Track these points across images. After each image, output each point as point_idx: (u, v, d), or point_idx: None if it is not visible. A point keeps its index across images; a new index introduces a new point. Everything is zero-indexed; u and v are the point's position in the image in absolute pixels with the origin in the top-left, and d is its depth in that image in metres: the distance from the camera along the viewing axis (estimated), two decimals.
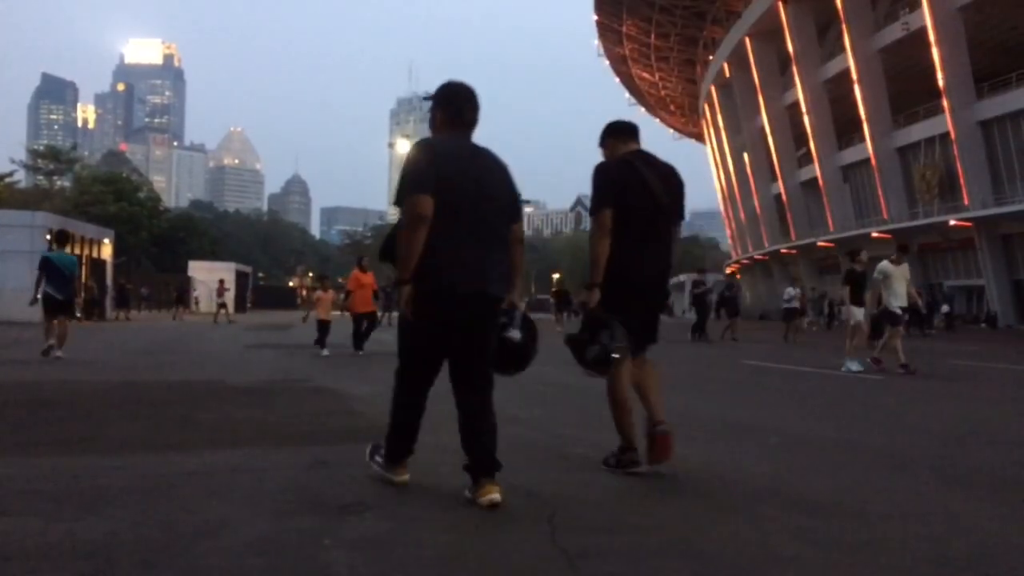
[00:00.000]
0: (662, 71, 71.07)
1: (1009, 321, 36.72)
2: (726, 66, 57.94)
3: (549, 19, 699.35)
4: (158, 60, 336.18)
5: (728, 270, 54.67)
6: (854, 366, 9.89)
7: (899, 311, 9.91)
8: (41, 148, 73.49)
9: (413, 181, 3.03)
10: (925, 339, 20.58)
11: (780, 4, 47.19)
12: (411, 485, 3.28)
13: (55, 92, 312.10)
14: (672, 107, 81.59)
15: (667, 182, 3.69)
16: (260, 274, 77.89)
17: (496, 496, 2.97)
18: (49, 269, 10.31)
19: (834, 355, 12.24)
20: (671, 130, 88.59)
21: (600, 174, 3.65)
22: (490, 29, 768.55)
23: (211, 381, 7.70)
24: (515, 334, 3.22)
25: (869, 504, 3.21)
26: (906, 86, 41.90)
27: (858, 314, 10.02)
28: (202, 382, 7.61)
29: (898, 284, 9.91)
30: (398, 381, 3.24)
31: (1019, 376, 11.16)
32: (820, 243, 48.89)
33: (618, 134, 3.83)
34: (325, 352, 11.53)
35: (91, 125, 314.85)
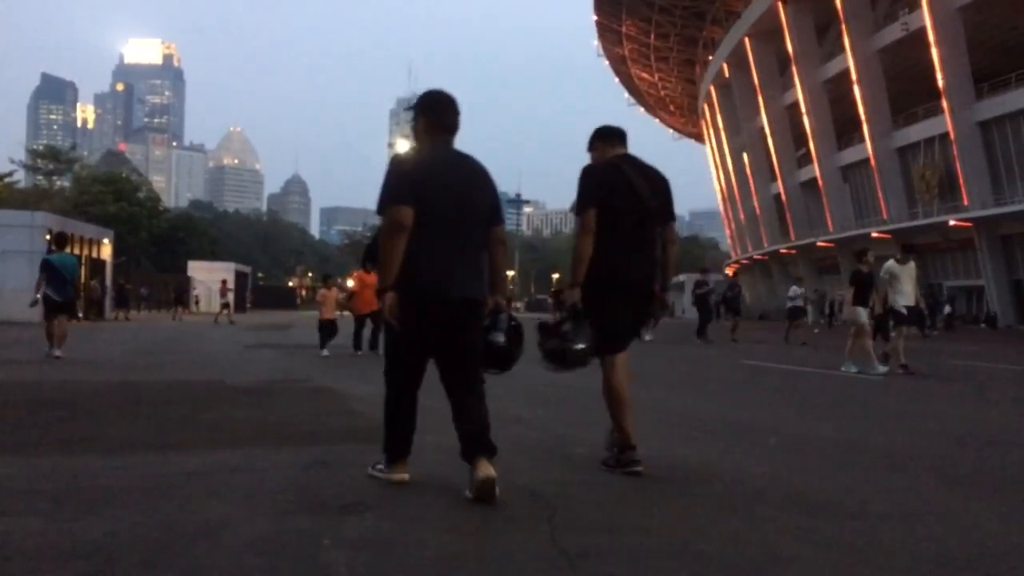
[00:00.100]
0: (661, 71, 71.07)
1: (1009, 321, 36.73)
2: (725, 66, 57.94)
3: (549, 19, 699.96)
4: (158, 60, 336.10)
5: (728, 270, 54.71)
6: (852, 368, 9.88)
7: (904, 311, 9.91)
8: (40, 148, 73.47)
9: (391, 192, 3.16)
10: (925, 339, 20.58)
11: (780, 4, 47.19)
12: (411, 485, 3.28)
13: (55, 92, 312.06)
14: (672, 107, 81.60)
15: (654, 185, 3.76)
16: (260, 274, 77.89)
17: (491, 472, 3.03)
18: (50, 271, 10.37)
19: (835, 356, 12.25)
20: (671, 130, 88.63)
21: (586, 176, 3.75)
22: (490, 29, 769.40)
23: (211, 381, 7.70)
24: (499, 337, 3.28)
25: (869, 504, 3.21)
26: (906, 86, 41.92)
27: (862, 315, 10.00)
28: (202, 382, 7.61)
29: (904, 284, 9.90)
30: (387, 381, 3.35)
31: (1019, 376, 11.17)
32: (820, 243, 48.92)
33: (606, 138, 3.91)
34: (325, 352, 11.53)
35: (90, 125, 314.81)
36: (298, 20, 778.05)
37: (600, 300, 3.63)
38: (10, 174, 59.15)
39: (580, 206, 3.68)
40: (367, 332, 11.93)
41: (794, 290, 19.72)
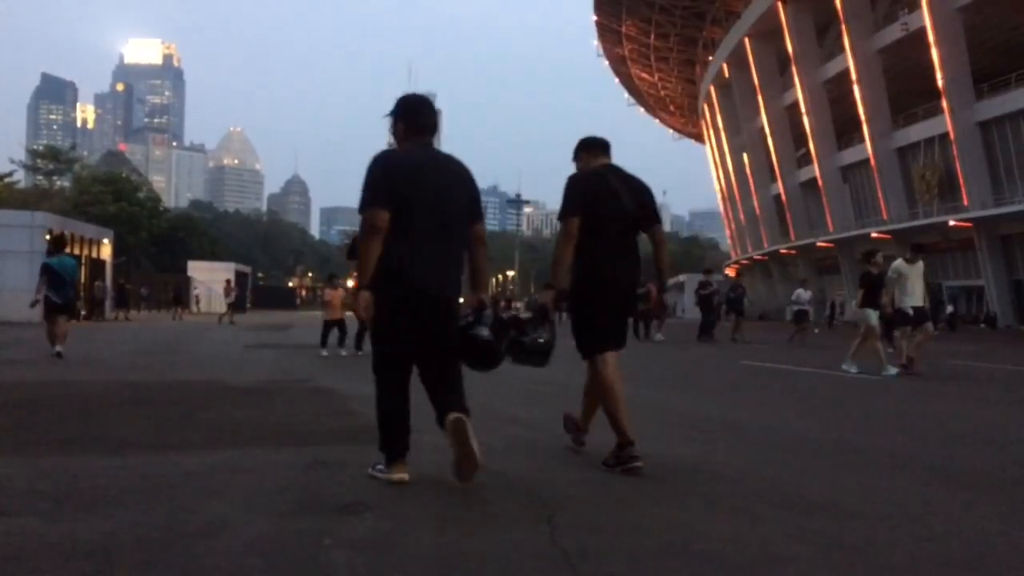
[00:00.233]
0: (661, 71, 71.09)
1: (1008, 321, 36.76)
2: (725, 66, 57.95)
3: (548, 19, 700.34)
4: (158, 60, 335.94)
5: (728, 271, 54.69)
6: (853, 368, 9.87)
7: (910, 311, 9.90)
8: (40, 148, 73.42)
9: (369, 195, 3.24)
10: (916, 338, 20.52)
11: (780, 4, 47.21)
12: (411, 485, 3.29)
13: (55, 92, 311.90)
14: (671, 107, 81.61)
15: (637, 196, 3.89)
16: (260, 274, 77.94)
17: (460, 416, 3.14)
18: (50, 274, 10.42)
19: (835, 356, 12.25)
20: (670, 130, 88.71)
21: (571, 185, 3.88)
22: (490, 29, 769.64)
23: (211, 381, 7.70)
24: (483, 331, 3.35)
25: (869, 504, 3.21)
26: (906, 86, 41.93)
27: (872, 317, 9.98)
28: (202, 382, 7.62)
29: (912, 283, 9.90)
30: (376, 381, 3.41)
31: (1019, 376, 11.17)
32: (819, 243, 48.93)
33: (590, 148, 4.05)
34: (325, 352, 11.53)
35: (90, 125, 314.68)
36: (298, 20, 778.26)
37: (587, 303, 3.81)
38: (10, 174, 59.15)
39: (564, 213, 3.81)
40: (354, 332, 11.95)
41: (799, 294, 19.54)
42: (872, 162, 44.30)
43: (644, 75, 73.10)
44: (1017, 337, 27.60)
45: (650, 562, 2.43)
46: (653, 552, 2.53)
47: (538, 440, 4.50)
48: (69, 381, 7.37)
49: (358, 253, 3.27)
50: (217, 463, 3.73)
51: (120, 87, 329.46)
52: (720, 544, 2.60)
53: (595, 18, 63.61)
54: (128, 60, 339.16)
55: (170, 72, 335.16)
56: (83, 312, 17.43)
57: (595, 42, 68.56)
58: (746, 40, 52.90)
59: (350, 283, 14.09)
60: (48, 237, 15.75)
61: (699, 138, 79.60)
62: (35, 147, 77.15)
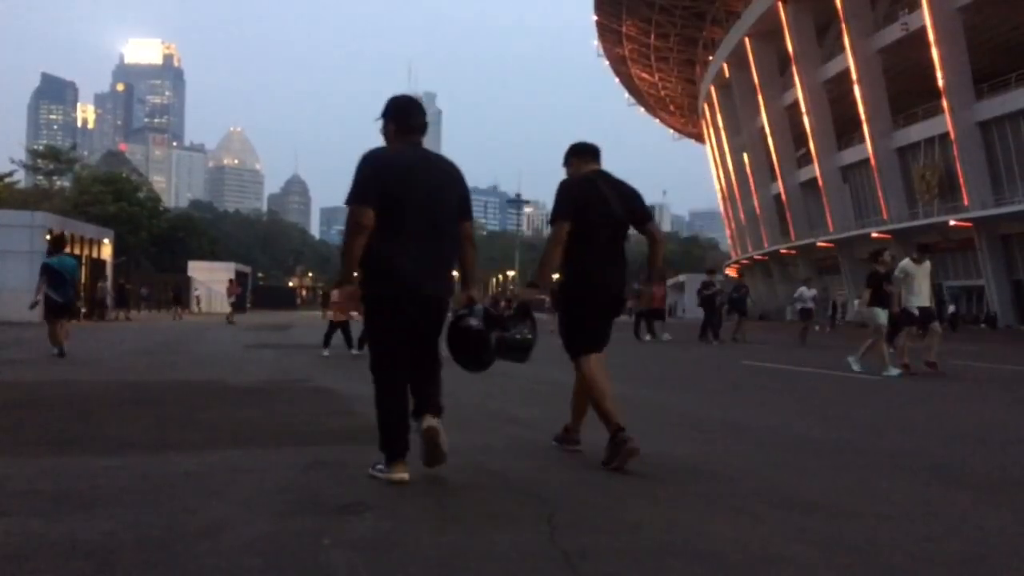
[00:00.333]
0: (662, 71, 71.10)
1: (1008, 321, 36.76)
2: (725, 66, 57.96)
3: (548, 19, 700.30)
4: (158, 60, 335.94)
5: (728, 270, 54.69)
6: (856, 367, 9.85)
7: (916, 311, 9.89)
8: (41, 148, 73.43)
9: (357, 192, 3.28)
10: (926, 338, 20.53)
11: (780, 4, 47.22)
12: (411, 484, 3.29)
13: (55, 92, 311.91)
14: (672, 107, 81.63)
15: (627, 201, 3.97)
16: (260, 274, 77.91)
17: (434, 423, 3.31)
18: (50, 274, 10.44)
19: (835, 356, 12.27)
20: (671, 130, 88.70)
21: (563, 190, 3.96)
22: (490, 29, 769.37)
23: (211, 381, 7.70)
24: (473, 321, 3.44)
25: (869, 504, 3.21)
26: (906, 86, 41.94)
27: (879, 316, 9.96)
28: (202, 382, 7.62)
29: (918, 283, 9.89)
30: (374, 380, 3.45)
31: (1019, 376, 11.17)
32: (820, 243, 48.92)
33: (581, 154, 4.14)
34: (325, 352, 11.53)
35: (91, 125, 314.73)
36: (298, 20, 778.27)
37: (579, 306, 3.94)
38: (10, 174, 59.17)
39: (554, 217, 3.91)
40: (357, 333, 11.93)
41: (802, 291, 19.57)
42: (872, 162, 44.30)
43: (644, 75, 73.12)
44: (1017, 337, 27.60)
45: (650, 562, 2.43)
46: (653, 552, 2.53)
47: (538, 440, 4.50)
48: (69, 381, 7.37)
49: (342, 249, 3.34)
50: (217, 463, 3.73)
51: (120, 87, 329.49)
52: (720, 544, 2.60)
53: (595, 18, 63.65)
54: (128, 60, 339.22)
55: (170, 72, 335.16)
56: (83, 311, 17.43)
57: (595, 42, 68.65)
58: (746, 40, 52.92)
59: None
60: (48, 237, 15.76)
61: (699, 138, 79.62)
62: (35, 147, 77.15)
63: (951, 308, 32.07)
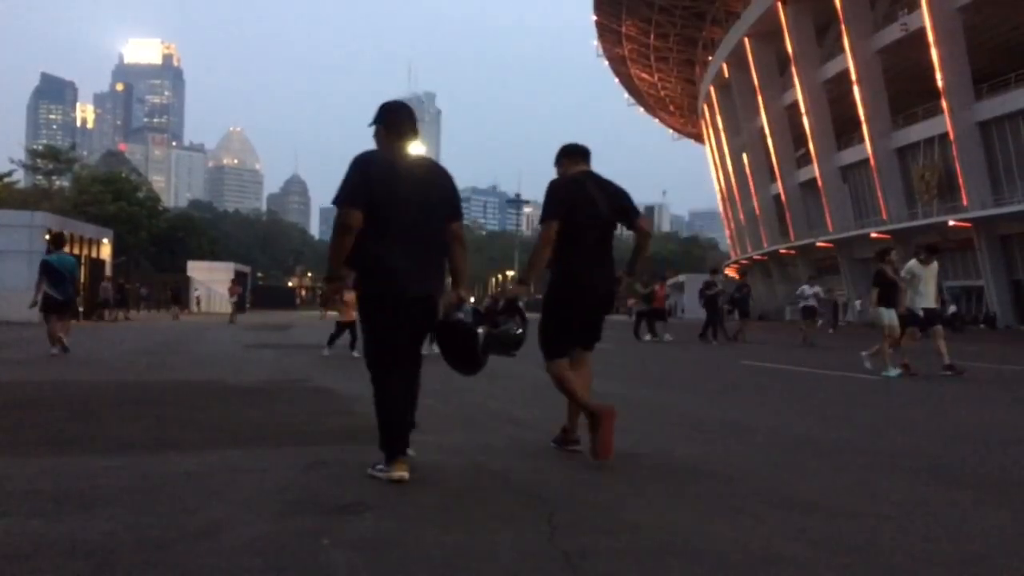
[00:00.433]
0: (661, 71, 71.07)
1: (1008, 321, 36.76)
2: (725, 67, 57.94)
3: (548, 19, 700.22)
4: (157, 60, 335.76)
5: (728, 271, 54.68)
6: (892, 372, 9.60)
7: (920, 312, 9.86)
8: (40, 148, 73.33)
9: (345, 194, 3.37)
10: (926, 339, 20.53)
11: (779, 5, 47.20)
12: (412, 484, 3.29)
13: (54, 92, 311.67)
14: (671, 107, 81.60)
15: (614, 200, 4.04)
16: (259, 274, 77.90)
17: (404, 474, 3.31)
18: (49, 272, 10.44)
19: (835, 356, 12.27)
20: (670, 130, 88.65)
21: (552, 190, 4.05)
22: (490, 29, 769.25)
23: (211, 381, 7.70)
24: (463, 317, 3.49)
25: (868, 504, 3.21)
26: (905, 86, 41.93)
27: (886, 316, 9.93)
28: (202, 382, 7.62)
29: (925, 284, 9.86)
30: (372, 380, 3.49)
31: (1019, 376, 11.17)
32: (819, 244, 48.91)
33: (572, 155, 4.21)
34: (326, 352, 11.53)
35: (90, 125, 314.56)
36: (298, 20, 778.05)
37: (565, 307, 4.00)
38: (10, 174, 59.14)
39: (544, 217, 3.99)
40: (348, 334, 11.90)
41: (804, 289, 19.49)
42: (872, 162, 44.29)
43: (644, 75, 73.09)
44: (1017, 337, 27.61)
45: (650, 562, 2.43)
46: (653, 552, 2.53)
47: (538, 440, 4.50)
48: (69, 381, 7.37)
49: (329, 247, 3.43)
50: (217, 463, 3.73)
51: (120, 87, 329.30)
52: (720, 544, 2.60)
53: (595, 18, 63.59)
54: (128, 60, 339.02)
55: (170, 72, 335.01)
56: (81, 310, 17.44)
57: (595, 42, 68.57)
58: (746, 40, 52.89)
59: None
60: (47, 236, 15.77)
61: (699, 138, 79.58)
62: (35, 147, 77.08)
63: (952, 308, 32.04)
